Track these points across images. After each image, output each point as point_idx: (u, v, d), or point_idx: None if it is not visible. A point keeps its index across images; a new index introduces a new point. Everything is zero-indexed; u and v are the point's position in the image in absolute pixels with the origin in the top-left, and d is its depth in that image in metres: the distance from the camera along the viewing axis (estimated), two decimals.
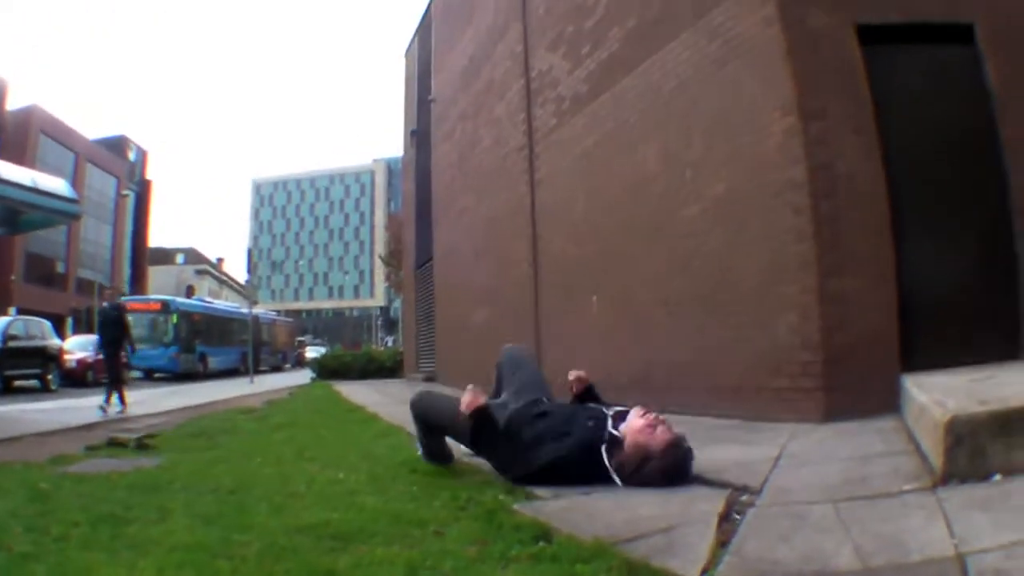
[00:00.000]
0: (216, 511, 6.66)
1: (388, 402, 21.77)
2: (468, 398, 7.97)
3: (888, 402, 9.57)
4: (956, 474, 5.94)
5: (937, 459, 6.18)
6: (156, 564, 5.00)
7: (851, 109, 10.92)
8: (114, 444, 12.83)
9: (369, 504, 6.88)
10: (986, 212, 10.94)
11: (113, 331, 23.39)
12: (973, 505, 5.32)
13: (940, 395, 7.13)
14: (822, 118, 10.91)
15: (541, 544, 5.34)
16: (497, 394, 9.20)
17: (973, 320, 10.62)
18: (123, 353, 24.40)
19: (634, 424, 7.52)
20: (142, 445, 12.47)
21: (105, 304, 24.79)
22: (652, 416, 7.58)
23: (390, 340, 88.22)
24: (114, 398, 21.72)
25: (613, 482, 7.26)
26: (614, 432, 7.53)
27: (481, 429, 7.95)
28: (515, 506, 6.53)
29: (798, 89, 11.09)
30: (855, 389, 10.11)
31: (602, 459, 7.36)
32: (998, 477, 5.80)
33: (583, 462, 7.41)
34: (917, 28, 11.17)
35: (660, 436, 7.40)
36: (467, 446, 8.52)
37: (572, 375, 8.83)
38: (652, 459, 7.27)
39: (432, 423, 8.73)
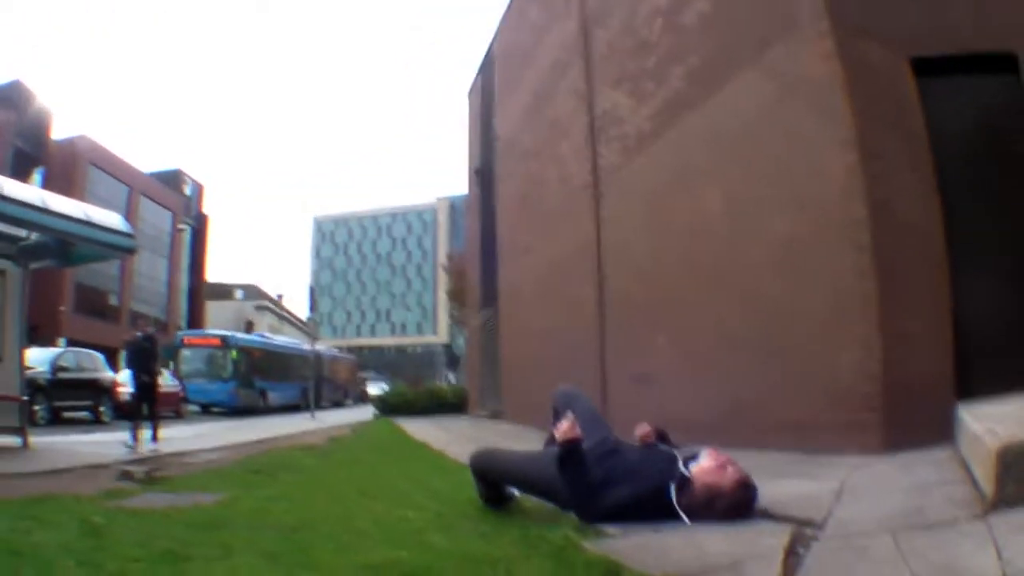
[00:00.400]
0: (280, 549, 6.58)
1: (453, 439, 21.62)
2: (566, 426, 7.94)
3: (945, 432, 9.58)
4: (1006, 500, 6.01)
5: (988, 486, 6.27)
6: None
7: (907, 144, 11.03)
8: (125, 478, 12.88)
9: (437, 543, 6.82)
10: None
11: (146, 362, 23.43)
12: (1020, 530, 5.42)
13: (991, 424, 7.21)
14: (881, 155, 11.01)
15: None
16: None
17: None
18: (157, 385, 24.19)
19: (705, 465, 7.59)
20: (151, 480, 12.52)
21: (138, 335, 24.53)
22: (724, 457, 7.68)
23: (452, 376, 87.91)
24: (145, 433, 21.46)
25: (681, 520, 7.25)
26: (684, 472, 7.58)
27: (569, 459, 7.88)
28: (585, 543, 6.47)
29: (858, 125, 11.18)
30: (913, 421, 10.17)
31: (671, 499, 7.37)
32: None
33: (653, 502, 7.42)
34: (965, 60, 11.27)
35: (731, 476, 7.48)
36: (532, 492, 8.60)
37: (640, 431, 8.64)
38: (722, 498, 7.33)
39: (496, 476, 8.85)
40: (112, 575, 5.67)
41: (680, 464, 7.68)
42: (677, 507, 7.30)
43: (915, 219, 10.80)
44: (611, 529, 7.10)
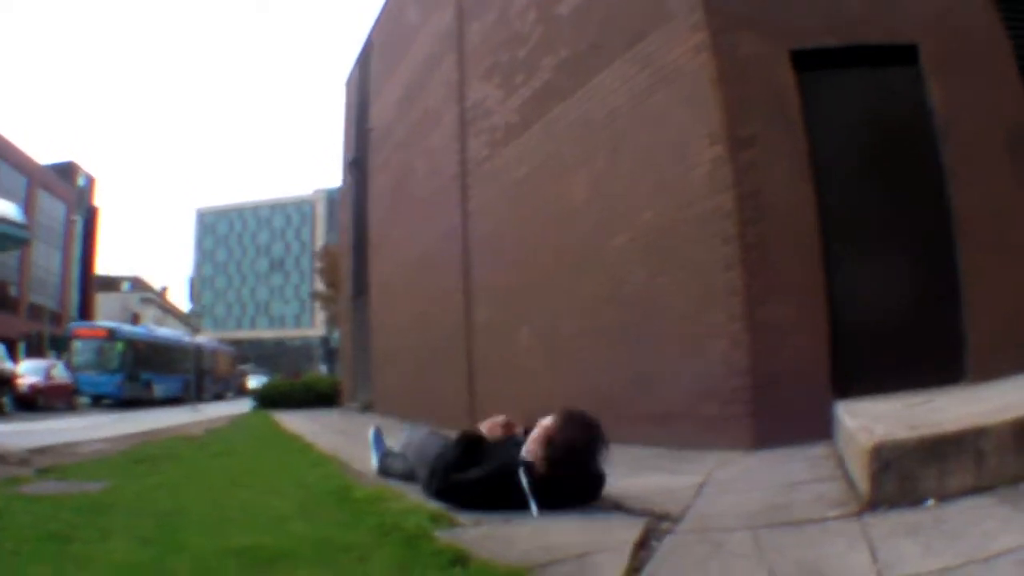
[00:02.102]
0: (153, 533, 6.77)
1: (324, 431, 22.00)
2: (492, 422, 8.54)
3: (821, 429, 9.56)
4: (884, 500, 5.94)
5: (864, 485, 6.19)
6: None
7: (782, 136, 10.99)
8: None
9: (298, 529, 7.00)
10: (926, 235, 11.01)
11: None
12: (900, 531, 5.32)
13: (869, 421, 7.17)
14: (751, 146, 10.98)
15: (457, 569, 5.41)
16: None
17: (914, 345, 10.64)
18: None
19: (528, 445, 7.79)
20: (45, 469, 12.48)
21: None
22: (536, 429, 7.88)
23: (324, 369, 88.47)
24: None
25: (533, 506, 7.33)
26: (525, 459, 7.68)
27: (462, 440, 8.42)
28: (436, 532, 6.58)
29: (727, 117, 11.16)
30: (786, 416, 10.13)
31: (521, 482, 7.44)
32: (931, 502, 5.78)
33: (503, 485, 7.52)
34: (856, 51, 11.27)
35: (550, 420, 7.72)
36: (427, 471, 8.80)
37: (493, 423, 8.72)
38: (554, 441, 7.52)
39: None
40: (8, 553, 6.00)
41: (524, 450, 7.79)
42: (527, 489, 7.39)
43: (788, 208, 10.77)
44: (464, 519, 7.23)
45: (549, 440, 7.51)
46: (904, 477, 5.94)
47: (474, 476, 7.79)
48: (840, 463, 7.96)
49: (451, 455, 8.32)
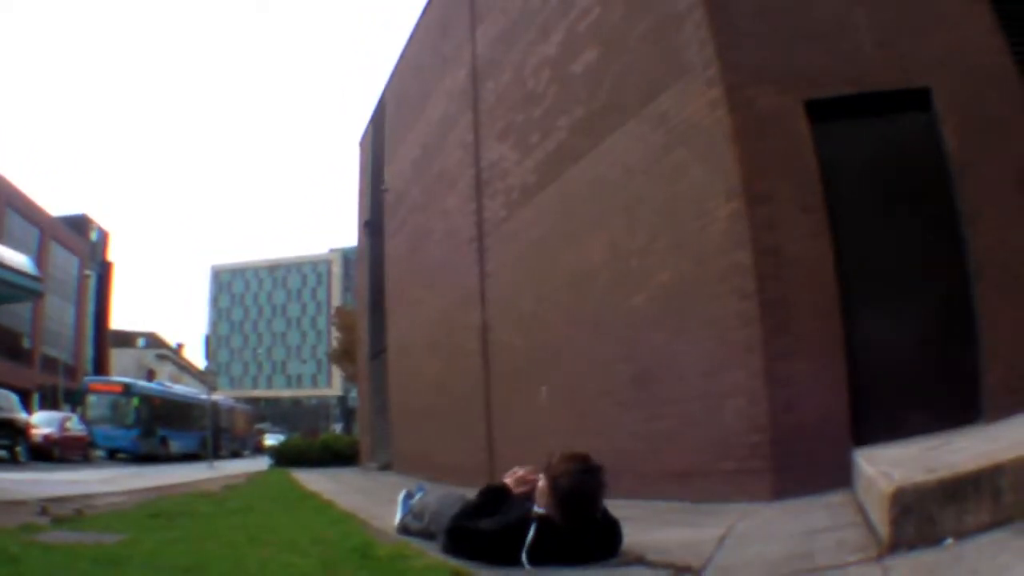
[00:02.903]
0: None
1: (343, 490, 21.61)
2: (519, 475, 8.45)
3: (840, 478, 9.52)
4: (904, 543, 5.88)
5: (884, 529, 6.14)
6: None
7: (799, 189, 11.01)
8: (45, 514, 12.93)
9: None
10: (942, 278, 11.00)
11: None
12: (920, 571, 5.31)
13: (888, 466, 7.14)
14: (769, 201, 11.02)
15: None
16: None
17: (930, 388, 10.61)
18: None
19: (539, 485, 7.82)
20: (61, 518, 12.33)
21: None
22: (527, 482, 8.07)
23: (338, 427, 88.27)
24: None
25: (549, 560, 7.28)
26: (538, 511, 7.63)
27: (488, 492, 8.47)
28: None
29: (744, 173, 11.19)
30: (805, 467, 10.11)
31: (527, 535, 7.40)
32: (950, 541, 5.73)
33: (517, 538, 7.45)
34: (870, 98, 11.30)
35: (554, 464, 7.64)
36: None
37: (515, 475, 8.68)
38: (559, 485, 7.45)
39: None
40: None
41: (533, 505, 7.76)
42: (528, 541, 7.31)
43: (806, 263, 10.79)
44: (485, 574, 7.16)
45: (553, 482, 7.48)
46: (923, 519, 5.91)
47: (485, 526, 7.81)
48: (859, 509, 7.94)
49: (471, 503, 8.39)
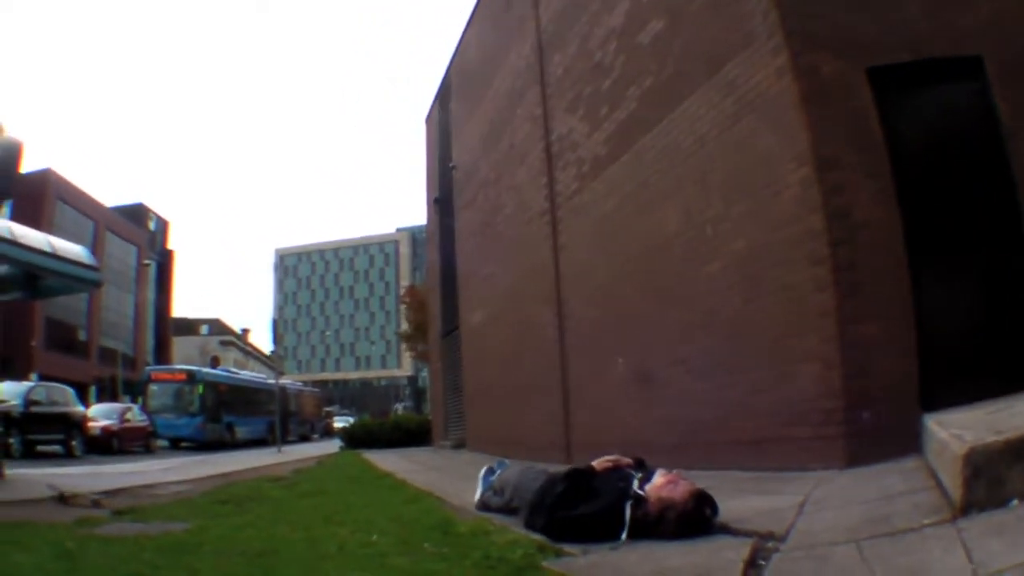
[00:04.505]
0: (246, 572, 6.71)
1: (417, 468, 21.77)
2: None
3: (911, 443, 9.57)
4: (975, 504, 5.99)
5: (956, 491, 6.23)
6: None
7: (865, 154, 11.00)
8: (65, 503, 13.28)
9: (400, 565, 6.93)
10: (1001, 243, 10.98)
11: None
12: (990, 531, 5.40)
13: (958, 429, 7.17)
14: (837, 166, 11.00)
15: None
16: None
17: (993, 354, 10.60)
18: None
19: (657, 482, 7.84)
20: (121, 510, 12.46)
21: None
22: (673, 473, 7.96)
23: (400, 407, 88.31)
24: None
25: (637, 536, 7.42)
26: (639, 492, 7.77)
27: (575, 475, 8.53)
28: (544, 563, 6.60)
29: (812, 138, 11.19)
30: (878, 433, 10.12)
31: (625, 516, 7.56)
32: (1016, 502, 5.85)
33: (608, 520, 7.62)
34: (926, 65, 11.28)
35: (682, 487, 7.70)
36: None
37: (604, 460, 8.84)
38: (673, 507, 7.49)
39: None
40: None
41: (635, 484, 7.89)
42: (626, 522, 7.50)
43: (875, 228, 10.77)
44: (570, 548, 7.22)
45: (667, 508, 7.53)
46: (992, 480, 6.01)
47: (582, 511, 7.88)
48: (932, 473, 8.00)
49: (559, 490, 8.37)
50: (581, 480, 8.39)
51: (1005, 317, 10.85)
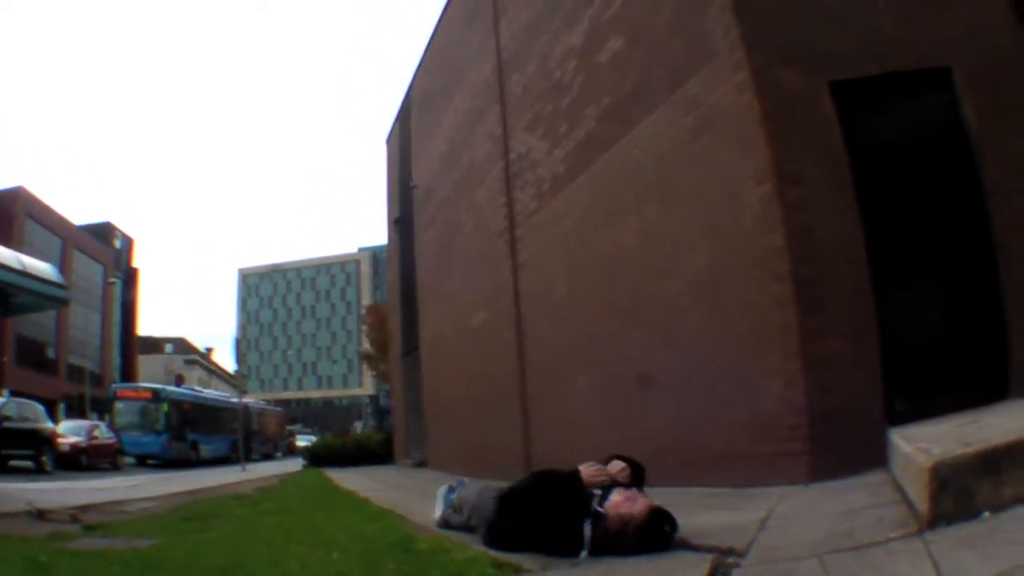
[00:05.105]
0: None
1: (379, 487, 21.81)
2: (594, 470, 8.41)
3: (877, 458, 9.55)
4: (943, 517, 5.98)
5: (923, 505, 6.22)
6: None
7: (828, 169, 11.03)
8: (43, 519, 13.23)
9: None
10: (967, 256, 11.05)
11: None
12: (961, 544, 5.37)
13: (925, 443, 7.19)
14: (799, 182, 11.04)
15: None
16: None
17: (960, 366, 10.68)
18: None
19: (615, 499, 7.80)
20: (91, 525, 12.58)
21: None
22: (632, 491, 7.95)
23: (359, 425, 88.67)
24: None
25: (597, 553, 7.43)
26: (598, 509, 7.74)
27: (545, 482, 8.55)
28: None
29: (774, 155, 11.21)
30: (843, 448, 10.12)
31: (584, 533, 7.55)
32: (987, 514, 5.85)
33: (564, 535, 7.63)
34: (892, 78, 11.31)
35: (641, 504, 7.70)
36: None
37: (594, 474, 8.58)
38: (632, 522, 7.50)
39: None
40: None
41: (595, 502, 7.83)
42: (586, 540, 7.49)
43: (837, 242, 10.80)
44: (529, 564, 7.24)
45: (626, 524, 7.54)
46: (961, 493, 6.01)
47: (539, 529, 7.87)
48: (897, 488, 8.00)
49: (514, 509, 8.38)
50: (540, 495, 8.31)
51: (973, 330, 10.93)
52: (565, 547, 7.55)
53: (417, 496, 15.85)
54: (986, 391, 10.16)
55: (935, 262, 11.11)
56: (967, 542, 5.39)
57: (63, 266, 72.90)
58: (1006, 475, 6.01)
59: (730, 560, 6.52)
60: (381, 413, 47.99)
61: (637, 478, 8.50)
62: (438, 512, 10.74)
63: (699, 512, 9.02)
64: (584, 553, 7.41)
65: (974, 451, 6.21)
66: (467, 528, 9.57)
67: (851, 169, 11.02)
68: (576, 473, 8.29)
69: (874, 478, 9.04)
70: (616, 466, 8.37)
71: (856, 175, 11.01)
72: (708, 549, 7.04)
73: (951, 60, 11.29)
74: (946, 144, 11.33)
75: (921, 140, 11.50)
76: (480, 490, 10.02)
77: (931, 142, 11.48)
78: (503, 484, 9.08)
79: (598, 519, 7.62)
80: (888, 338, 10.57)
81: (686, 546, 7.39)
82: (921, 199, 11.24)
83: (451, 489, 10.96)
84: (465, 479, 11.96)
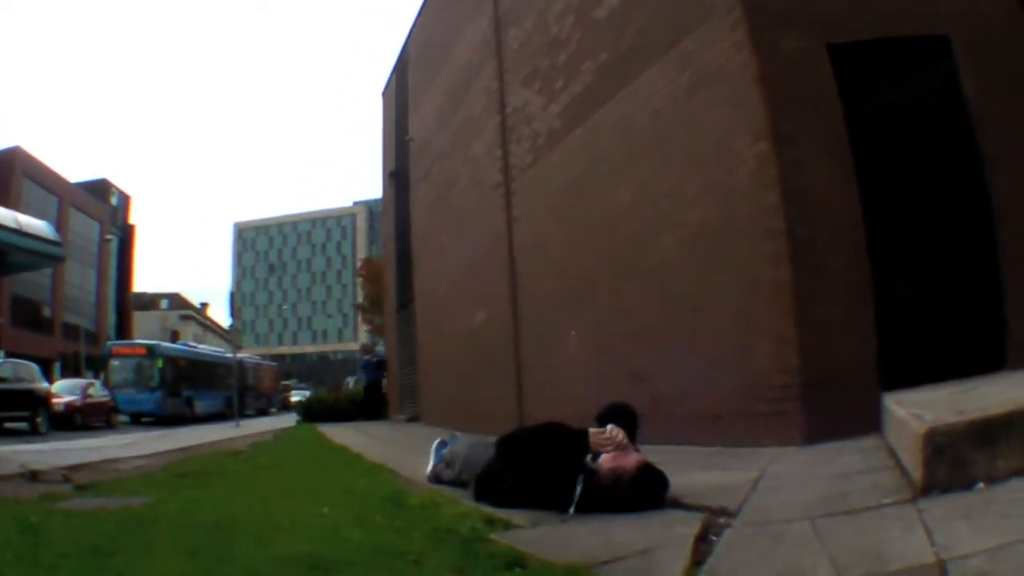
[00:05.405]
0: (201, 545, 6.63)
1: (372, 443, 21.85)
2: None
3: (871, 422, 9.52)
4: (937, 485, 5.94)
5: (917, 471, 6.17)
6: None
7: (825, 131, 10.97)
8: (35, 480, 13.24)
9: (352, 536, 6.94)
10: (967, 225, 11.02)
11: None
12: (955, 514, 5.30)
13: (919, 409, 7.13)
14: (795, 142, 10.96)
15: (516, 570, 5.42)
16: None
17: (957, 334, 10.66)
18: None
19: (609, 455, 7.78)
20: (84, 485, 12.54)
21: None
22: (627, 448, 7.89)
23: (352, 380, 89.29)
24: None
25: (588, 508, 7.38)
26: (591, 465, 7.73)
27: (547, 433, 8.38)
28: (492, 535, 6.61)
29: (770, 114, 11.12)
30: (837, 410, 10.08)
31: (576, 487, 7.51)
32: (981, 486, 5.80)
33: (560, 491, 7.57)
34: (891, 43, 11.25)
35: (633, 458, 7.69)
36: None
37: (604, 442, 8.37)
38: (625, 476, 7.50)
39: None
40: (46, 568, 5.87)
41: (588, 458, 7.82)
42: (576, 496, 7.46)
43: (833, 204, 10.76)
44: (520, 519, 7.28)
45: (618, 479, 7.55)
46: (955, 461, 5.96)
47: (532, 484, 7.86)
48: (891, 453, 7.96)
49: (507, 464, 8.34)
50: (543, 446, 8.20)
51: (970, 301, 10.90)
52: (557, 502, 7.53)
53: (409, 451, 15.92)
54: (983, 362, 10.13)
55: (933, 232, 11.07)
56: (961, 512, 5.33)
57: (60, 224, 73.10)
58: (1002, 446, 5.96)
59: (721, 520, 6.48)
60: (369, 367, 47.17)
61: (631, 426, 8.38)
62: (430, 467, 10.76)
63: (691, 471, 9.01)
64: (572, 509, 7.39)
65: (968, 420, 6.14)
66: (458, 483, 9.60)
67: (848, 133, 10.95)
68: (585, 433, 8.13)
69: (868, 443, 9.00)
70: (618, 433, 8.18)
71: (853, 139, 10.94)
72: (699, 508, 7.02)
73: (951, 30, 11.24)
74: (945, 113, 11.29)
75: (920, 108, 11.43)
76: (471, 444, 10.10)
77: (930, 110, 11.42)
78: (494, 439, 8.99)
79: (590, 475, 7.60)
80: (884, 303, 10.53)
81: (677, 505, 7.38)
82: (919, 168, 11.21)
83: (443, 444, 10.96)
84: (458, 434, 11.91)
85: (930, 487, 5.97)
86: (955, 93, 11.17)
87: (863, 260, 10.61)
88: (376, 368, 42.60)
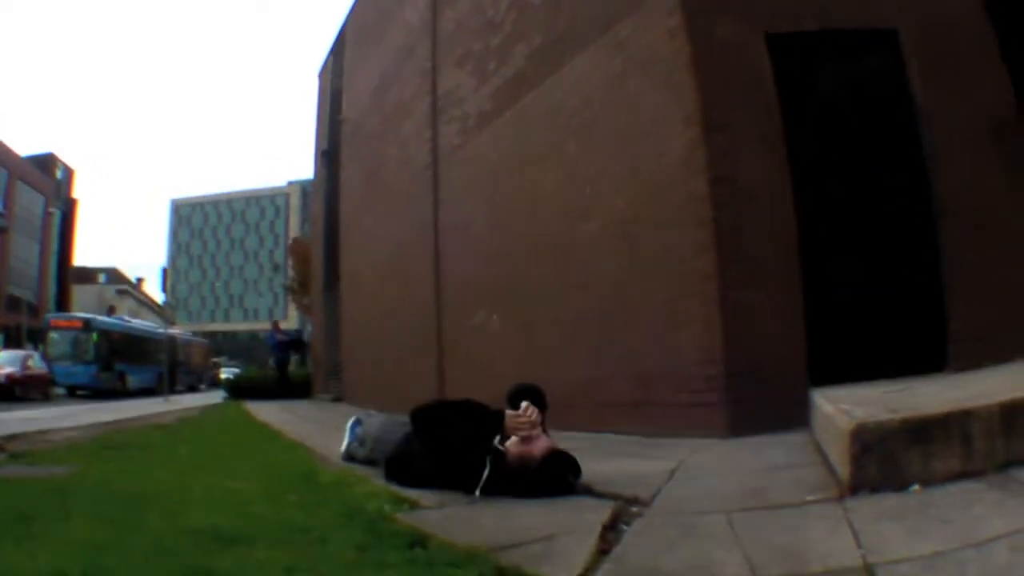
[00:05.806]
0: (115, 514, 6.81)
1: (294, 420, 22.23)
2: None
3: (799, 417, 9.45)
4: (866, 484, 5.79)
5: (844, 469, 6.06)
6: (52, 553, 5.20)
7: (759, 120, 10.92)
8: None
9: (259, 511, 7.05)
10: (907, 222, 10.95)
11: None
12: (885, 515, 5.18)
13: (848, 405, 7.04)
14: (726, 130, 10.91)
15: (417, 550, 5.39)
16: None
17: (892, 333, 10.58)
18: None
19: (517, 438, 7.71)
20: (15, 454, 12.69)
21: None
22: (536, 431, 7.78)
23: (272, 360, 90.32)
24: None
25: (496, 492, 7.36)
26: (499, 448, 7.67)
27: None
28: (398, 515, 6.63)
29: (702, 101, 11.06)
30: (763, 404, 10.05)
31: (483, 470, 7.49)
32: (916, 487, 5.64)
33: (468, 473, 7.56)
34: (834, 35, 11.20)
35: (542, 443, 7.63)
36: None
37: (520, 424, 8.17)
38: (532, 461, 7.45)
39: None
40: None
41: (496, 440, 7.74)
42: (483, 478, 7.45)
43: (763, 194, 10.70)
44: (427, 501, 7.29)
45: (525, 465, 7.49)
46: (886, 460, 5.82)
47: (438, 465, 7.84)
48: (818, 449, 7.89)
49: (415, 446, 8.35)
50: (456, 422, 8.10)
51: (908, 297, 10.84)
52: (466, 484, 7.51)
53: (329, 429, 16.12)
54: (922, 362, 10.09)
55: (872, 226, 10.99)
56: (892, 513, 5.21)
57: (7, 197, 73.73)
58: (937, 448, 5.81)
59: (634, 509, 6.40)
60: (303, 347, 47.67)
61: (540, 407, 8.21)
62: (344, 445, 10.78)
63: (607, 459, 9.07)
64: (478, 492, 7.37)
65: (900, 418, 6.00)
66: (370, 462, 9.68)
67: (784, 123, 10.91)
68: (501, 414, 7.98)
69: (795, 438, 8.93)
70: (534, 411, 8.02)
71: (789, 130, 10.90)
72: (612, 496, 6.93)
73: (897, 22, 11.18)
74: (889, 106, 11.22)
75: (864, 100, 11.33)
76: (383, 424, 10.16)
77: (874, 102, 11.32)
78: (406, 419, 8.88)
79: (499, 457, 7.57)
80: (816, 297, 10.50)
81: (589, 492, 7.32)
82: (860, 160, 11.13)
83: (357, 422, 10.92)
84: (372, 412, 12.05)
85: (858, 486, 5.82)
86: (900, 86, 11.12)
87: (793, 252, 10.56)
88: (288, 347, 44.00)
